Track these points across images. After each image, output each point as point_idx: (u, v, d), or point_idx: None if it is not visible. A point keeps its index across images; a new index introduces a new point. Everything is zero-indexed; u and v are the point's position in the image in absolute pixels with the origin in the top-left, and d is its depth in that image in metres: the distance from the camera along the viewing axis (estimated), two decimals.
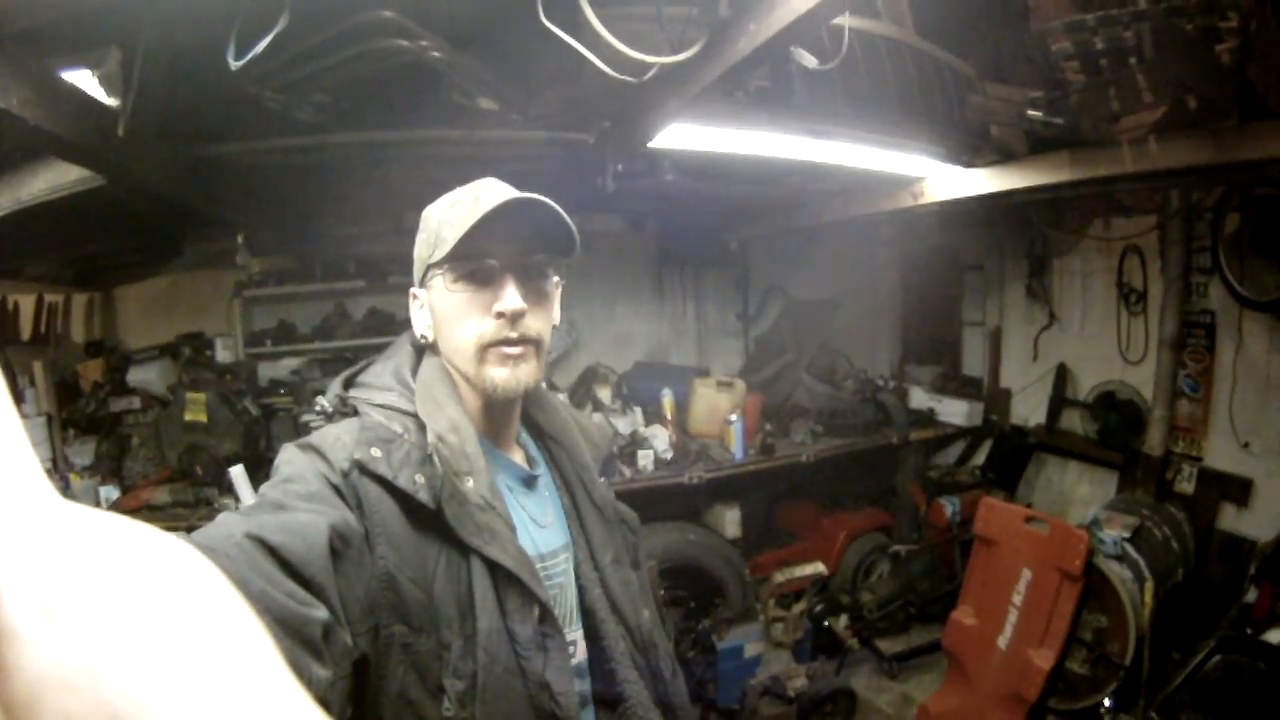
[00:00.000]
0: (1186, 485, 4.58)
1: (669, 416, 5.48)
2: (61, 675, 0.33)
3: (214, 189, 3.61)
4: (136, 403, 4.95)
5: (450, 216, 1.26)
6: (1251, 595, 3.75)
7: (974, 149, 3.85)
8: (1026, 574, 4.12)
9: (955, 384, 6.28)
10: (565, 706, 1.19)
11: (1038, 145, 3.60)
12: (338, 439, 1.18)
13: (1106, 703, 3.39)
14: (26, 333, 5.02)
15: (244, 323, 5.38)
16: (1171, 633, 4.05)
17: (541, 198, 1.23)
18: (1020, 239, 5.58)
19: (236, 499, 4.10)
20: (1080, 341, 5.37)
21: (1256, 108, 2.82)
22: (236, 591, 0.41)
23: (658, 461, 5.11)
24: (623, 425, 5.50)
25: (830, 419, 5.78)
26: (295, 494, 1.07)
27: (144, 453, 4.82)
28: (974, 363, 6.33)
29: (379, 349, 4.24)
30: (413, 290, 1.39)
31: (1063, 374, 5.43)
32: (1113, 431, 4.97)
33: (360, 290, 5.52)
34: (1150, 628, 3.83)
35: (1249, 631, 3.44)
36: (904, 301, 6.97)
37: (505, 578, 1.18)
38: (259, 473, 4.37)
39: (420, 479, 1.16)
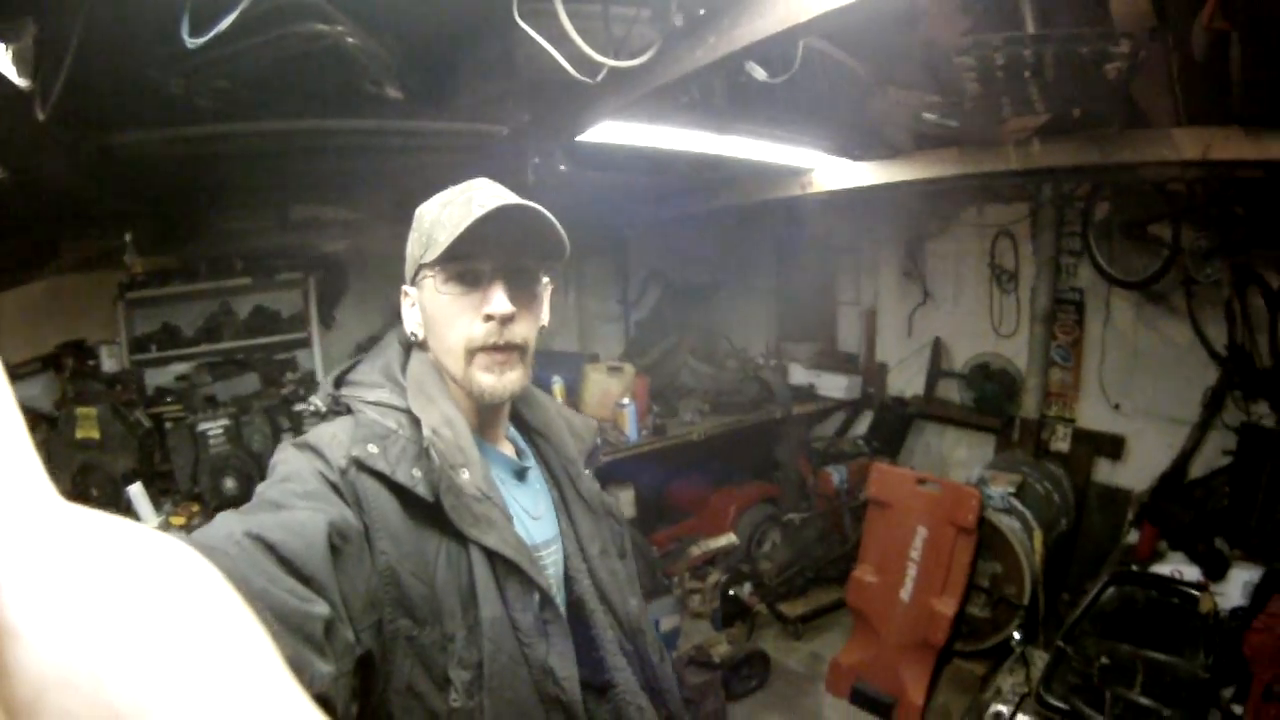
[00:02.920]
0: (1062, 444, 5.07)
1: (561, 401, 5.50)
2: (62, 675, 0.33)
3: (112, 181, 3.41)
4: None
5: (443, 217, 1.27)
6: (1133, 537, 4.20)
7: (865, 144, 4.09)
8: (922, 531, 4.44)
9: (832, 360, 6.61)
10: (569, 691, 1.21)
11: (925, 142, 3.87)
12: (334, 437, 1.18)
13: (1016, 635, 3.71)
14: None
15: (128, 327, 4.93)
16: (1060, 576, 4.48)
17: (533, 204, 1.25)
18: (896, 223, 5.94)
19: (137, 519, 3.74)
20: (954, 317, 5.80)
21: (1136, 118, 3.16)
22: (236, 591, 0.42)
23: None
24: None
25: (716, 398, 5.98)
26: (293, 493, 1.07)
27: None
28: (849, 339, 6.70)
29: (266, 348, 4.38)
30: (404, 288, 1.39)
31: (938, 347, 5.84)
32: (989, 399, 5.40)
33: (246, 288, 5.22)
34: (1042, 572, 4.22)
35: (1134, 569, 3.85)
36: (779, 283, 7.26)
37: (505, 566, 1.20)
38: (154, 488, 4.22)
39: (417, 473, 1.17)
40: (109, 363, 4.85)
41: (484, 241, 1.23)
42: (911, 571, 4.47)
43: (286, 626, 0.86)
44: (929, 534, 4.43)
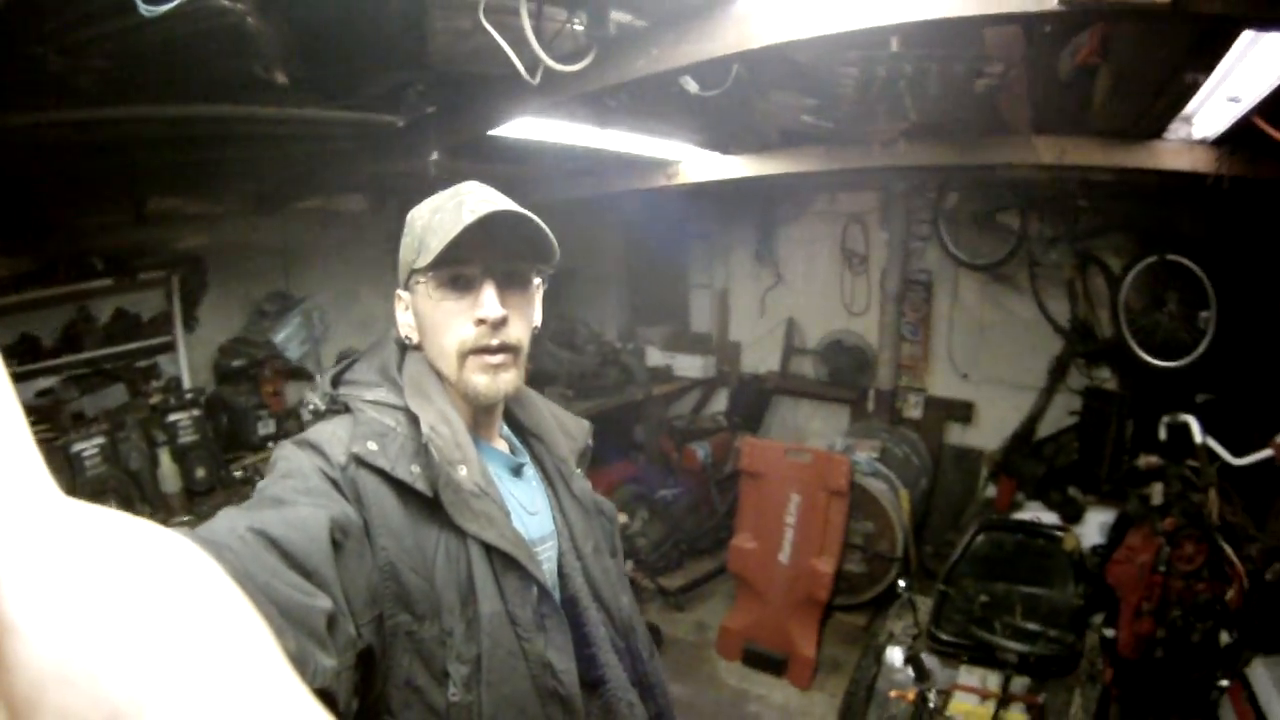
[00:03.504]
0: (915, 412, 5.59)
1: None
2: (62, 670, 0.33)
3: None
4: None
5: (434, 223, 1.26)
6: (990, 491, 4.70)
7: (737, 140, 4.29)
8: (796, 498, 4.76)
9: (687, 341, 6.90)
10: (567, 685, 1.23)
11: (793, 138, 4.09)
12: (333, 434, 1.19)
13: (901, 583, 4.05)
14: None
15: None
16: (922, 530, 4.92)
17: (524, 211, 1.27)
18: (749, 210, 6.27)
19: None
20: (806, 298, 6.21)
21: (996, 126, 3.54)
22: (239, 585, 0.42)
23: None
24: None
25: (578, 382, 6.08)
26: (294, 489, 1.08)
27: None
28: (702, 320, 7.01)
29: (130, 355, 4.08)
30: (398, 291, 1.39)
31: (792, 326, 6.25)
32: (842, 373, 5.85)
33: (108, 290, 4.58)
34: (911, 526, 4.64)
35: (995, 519, 4.32)
36: (630, 268, 7.42)
37: (503, 561, 1.21)
38: None
39: (416, 469, 1.18)
40: None
41: (475, 246, 1.23)
42: (789, 535, 4.76)
43: (290, 621, 0.87)
44: (802, 499, 4.74)
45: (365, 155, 3.95)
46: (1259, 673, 2.92)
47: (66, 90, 2.59)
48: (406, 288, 1.34)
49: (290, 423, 4.98)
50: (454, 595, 1.16)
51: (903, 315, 5.59)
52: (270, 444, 4.82)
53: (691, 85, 2.69)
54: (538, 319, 1.40)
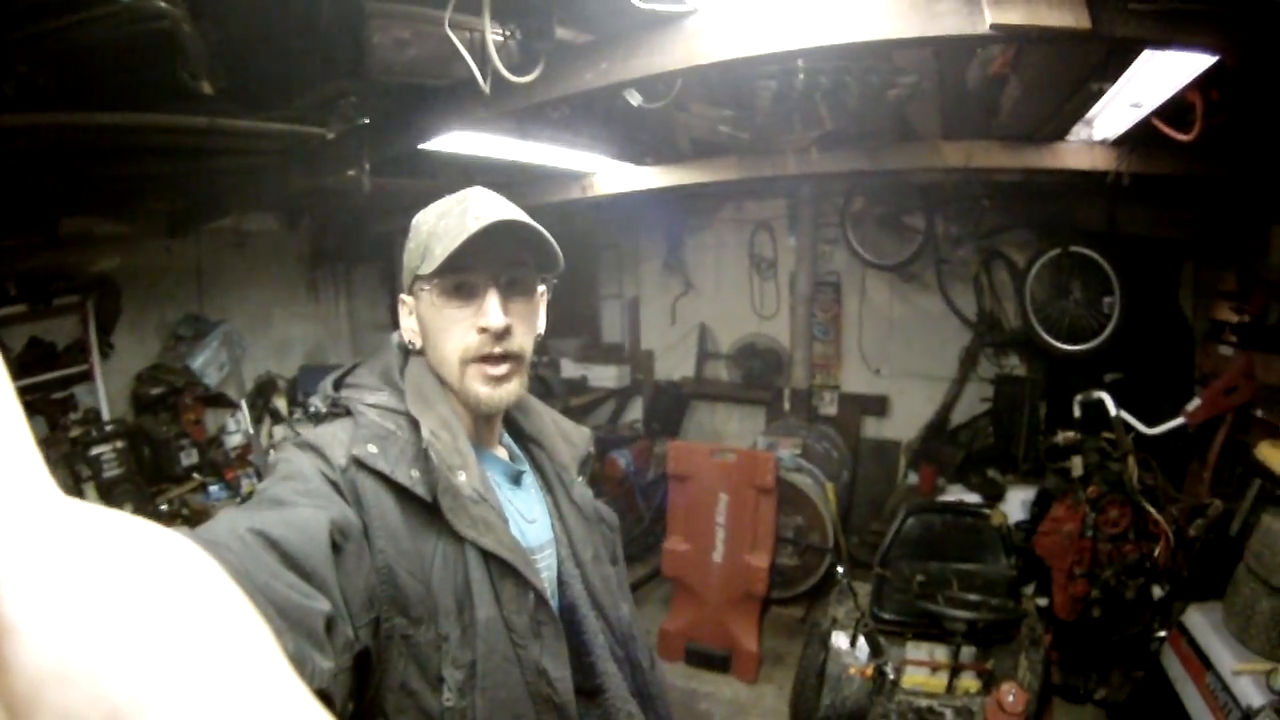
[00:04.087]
0: (830, 409, 5.79)
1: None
2: (61, 670, 0.33)
3: None
4: None
5: (439, 229, 1.26)
6: (912, 479, 4.90)
7: (652, 151, 4.36)
8: (724, 497, 4.85)
9: (599, 352, 6.92)
10: (562, 692, 1.22)
11: (703, 149, 4.18)
12: (334, 437, 1.18)
13: (840, 569, 4.15)
14: None
15: None
16: (849, 521, 5.09)
17: (529, 220, 1.27)
18: (657, 220, 6.37)
19: None
20: (717, 304, 6.35)
21: (907, 133, 3.75)
22: (238, 586, 0.42)
23: None
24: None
25: None
26: (294, 490, 1.08)
27: None
28: (614, 330, 7.05)
29: (47, 385, 4.01)
30: (401, 296, 1.38)
31: (704, 332, 6.38)
32: (756, 375, 6.01)
33: (19, 317, 4.35)
34: (839, 517, 4.79)
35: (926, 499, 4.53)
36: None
37: (500, 568, 1.20)
38: None
39: (416, 473, 1.17)
40: None
41: (479, 254, 1.23)
42: (720, 534, 4.85)
43: (288, 622, 0.87)
44: (731, 498, 4.83)
45: (294, 169, 3.80)
46: (1195, 619, 3.18)
47: None
48: (410, 293, 1.33)
49: (214, 451, 4.81)
50: (450, 600, 1.15)
51: (814, 316, 5.79)
52: (194, 475, 4.67)
53: (635, 98, 2.70)
54: (541, 326, 1.39)
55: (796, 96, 3.15)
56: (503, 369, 1.27)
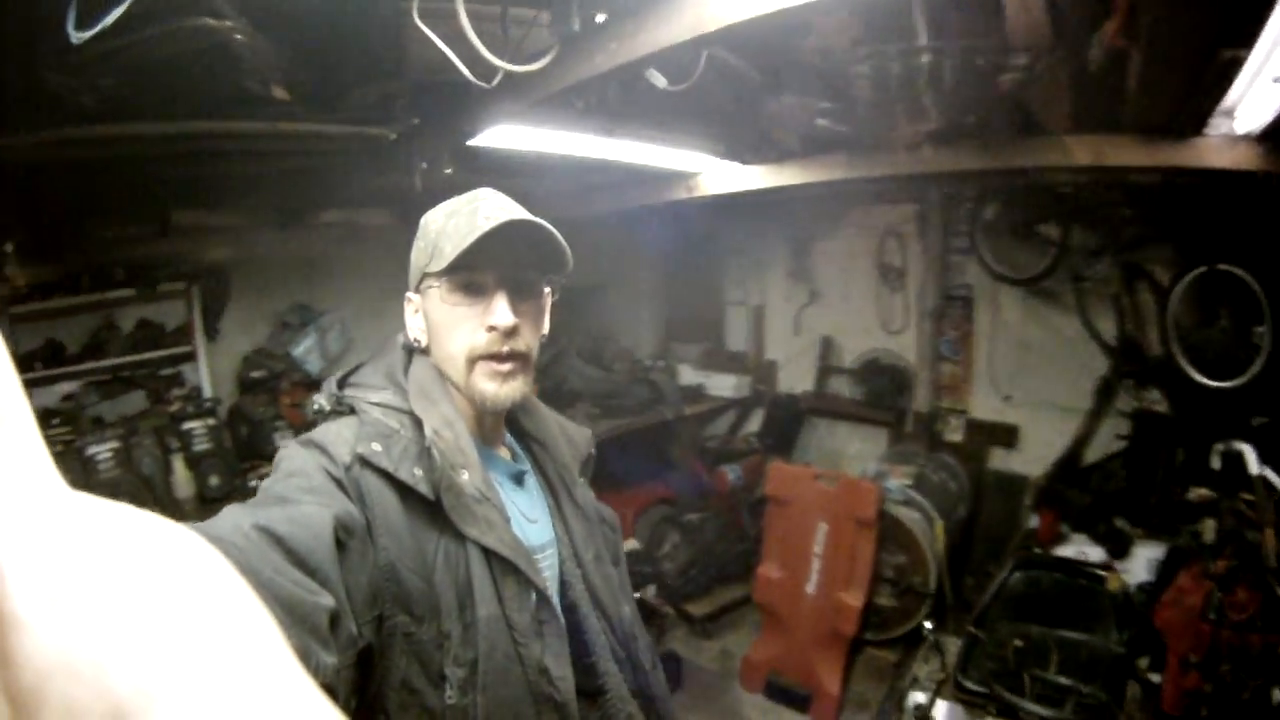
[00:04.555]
0: (955, 435, 5.18)
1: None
2: (66, 663, 0.32)
3: None
4: None
5: (448, 228, 1.26)
6: (1033, 522, 4.29)
7: (754, 148, 4.04)
8: (823, 526, 4.45)
9: (721, 359, 6.57)
10: (563, 691, 1.22)
11: (813, 146, 3.83)
12: (338, 435, 1.18)
13: (927, 625, 3.72)
14: None
15: (10, 345, 4.22)
16: (962, 562, 4.54)
17: (539, 220, 1.26)
18: (783, 225, 5.96)
19: None
20: (842, 316, 5.85)
21: (1028, 125, 3.22)
22: (244, 580, 0.41)
23: None
24: None
25: (605, 401, 5.84)
26: (298, 487, 1.08)
27: None
28: (737, 338, 6.68)
29: (152, 364, 4.06)
30: (408, 294, 1.38)
31: (828, 344, 5.89)
32: (879, 393, 5.47)
33: (130, 300, 4.72)
34: (945, 560, 4.27)
35: (1038, 552, 3.93)
36: (667, 284, 7.17)
37: (502, 566, 1.20)
38: None
39: (419, 472, 1.17)
40: None
41: (488, 253, 1.23)
42: (816, 566, 4.46)
43: (293, 618, 0.86)
44: (830, 528, 4.43)
45: (366, 169, 3.85)
46: None
47: (69, 110, 2.59)
48: (417, 291, 1.34)
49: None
50: (452, 598, 1.16)
51: (942, 333, 5.21)
52: None
53: (659, 79, 2.47)
54: (546, 327, 1.39)
55: (895, 84, 2.80)
56: (509, 367, 1.28)
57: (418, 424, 1.22)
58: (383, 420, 1.22)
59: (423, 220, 1.35)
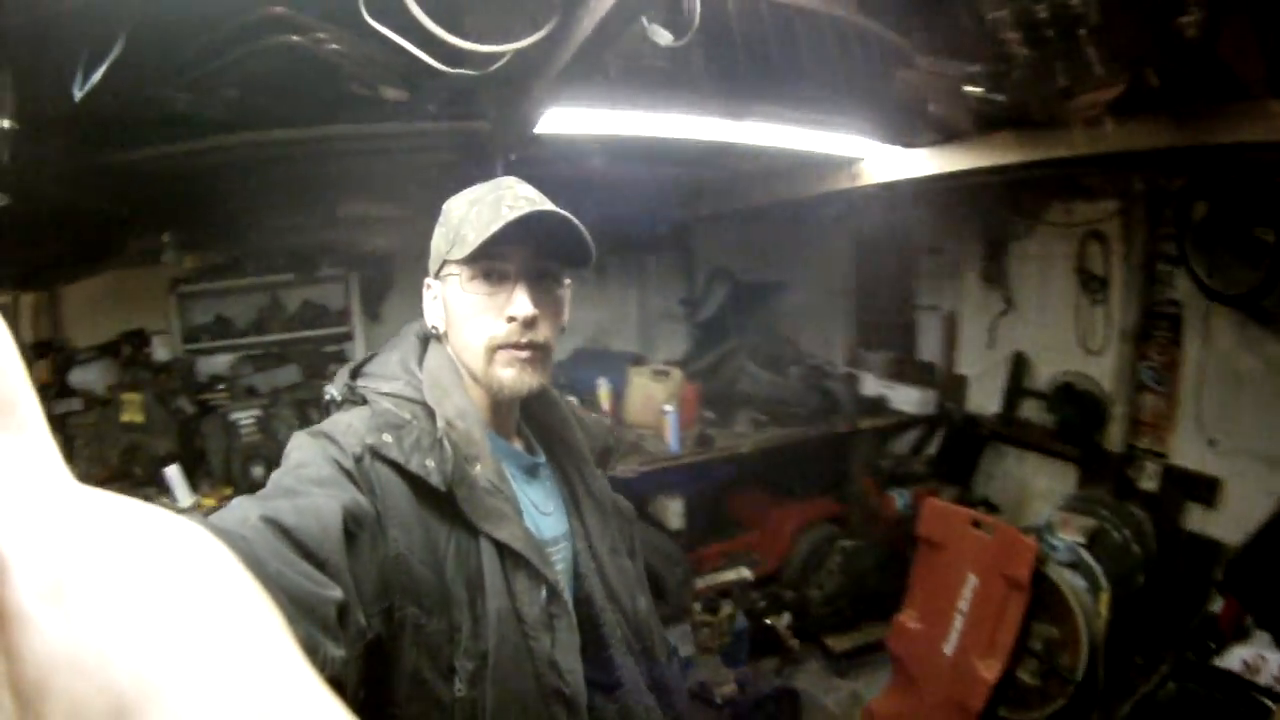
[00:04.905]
0: (1150, 483, 4.15)
1: (605, 407, 5.17)
2: (70, 658, 0.31)
3: (127, 193, 3.63)
4: (78, 404, 4.76)
5: (471, 216, 1.26)
6: (1218, 604, 3.38)
7: (912, 128, 3.48)
8: (972, 580, 3.78)
9: (909, 370, 5.84)
10: (572, 685, 1.20)
11: (985, 124, 3.21)
12: (349, 426, 1.17)
13: None
14: None
15: (182, 318, 5.18)
16: (1132, 638, 3.66)
17: (562, 212, 1.24)
18: (976, 220, 5.13)
19: (173, 499, 4.09)
20: (1038, 329, 4.92)
21: (1229, 88, 2.42)
22: (250, 574, 0.39)
23: None
24: None
25: (775, 407, 5.38)
26: (307, 479, 1.06)
27: (87, 453, 4.60)
28: (929, 348, 5.87)
29: (313, 341, 5.01)
30: (427, 281, 1.39)
31: (1020, 362, 4.99)
32: (1071, 424, 4.55)
33: (291, 283, 5.35)
34: (1105, 638, 3.48)
35: (1213, 645, 3.09)
36: (858, 285, 6.47)
37: (513, 559, 1.19)
38: (193, 471, 4.44)
39: (431, 463, 1.16)
40: (161, 352, 5.13)
41: (511, 243, 1.23)
42: (958, 623, 3.81)
43: (301, 610, 0.84)
44: (979, 584, 3.76)
45: (469, 164, 3.81)
46: None
47: (195, 121, 2.92)
48: (437, 277, 1.35)
49: None
50: (463, 591, 1.15)
51: (1144, 357, 4.20)
52: None
53: (663, 36, 2.13)
54: (566, 319, 1.38)
55: (1052, 37, 2.34)
56: (527, 354, 1.28)
57: (431, 415, 1.22)
58: (394, 411, 1.21)
59: (445, 206, 1.35)
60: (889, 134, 3.54)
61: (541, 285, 1.30)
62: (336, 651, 0.88)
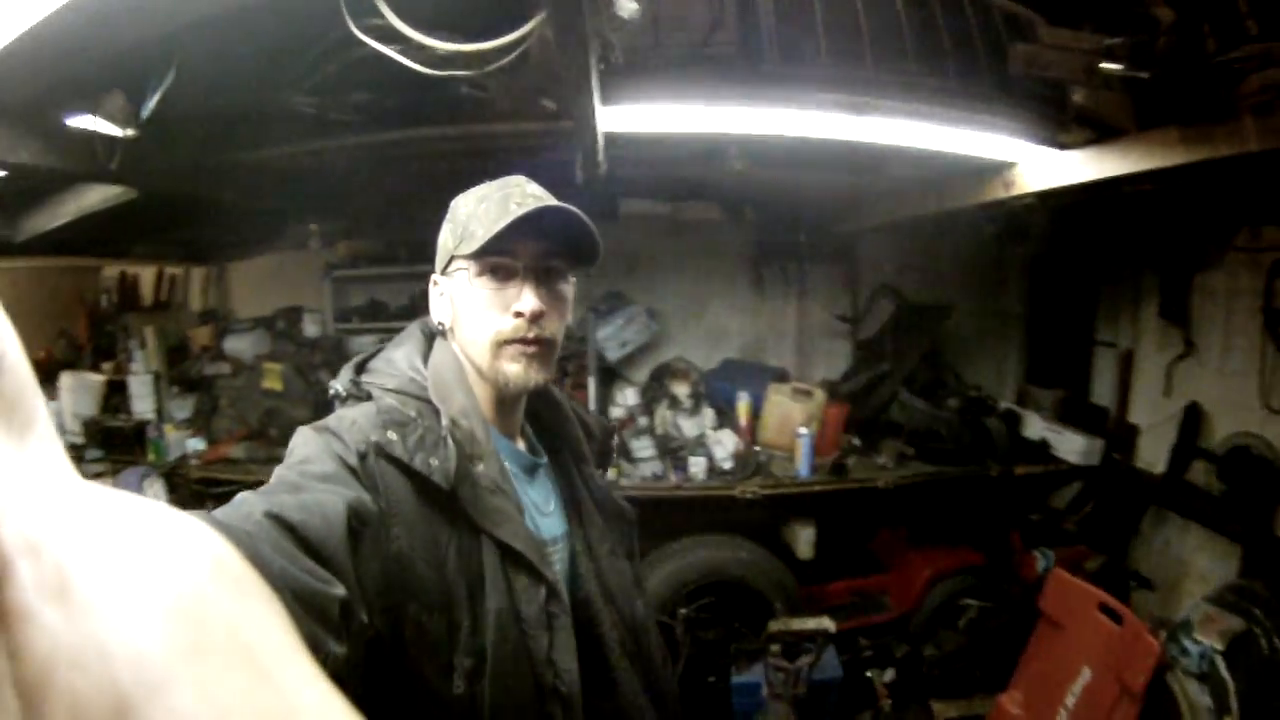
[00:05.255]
0: None
1: (742, 423, 4.91)
2: (72, 656, 0.32)
3: (260, 187, 3.99)
4: (227, 368, 5.25)
5: (479, 212, 1.27)
6: None
7: (1059, 123, 2.94)
8: (1086, 673, 3.29)
9: (1078, 413, 5.00)
10: (569, 684, 1.20)
11: (1147, 117, 2.65)
12: (354, 422, 1.17)
13: None
14: (148, 300, 6.03)
15: (337, 300, 5.66)
16: None
17: (570, 208, 1.25)
18: (1157, 245, 4.30)
19: None
20: (1218, 378, 4.02)
21: None
22: (255, 570, 0.41)
23: (713, 470, 4.60)
24: (689, 427, 4.97)
25: (923, 441, 4.85)
26: (311, 475, 1.06)
27: (230, 412, 5.10)
28: (1103, 390, 5.01)
29: None
30: (434, 277, 1.39)
31: (1194, 416, 4.10)
32: (1240, 496, 3.72)
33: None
34: None
35: None
36: (1030, 311, 5.64)
37: (514, 559, 1.19)
38: None
39: (434, 461, 1.16)
40: (311, 328, 5.61)
41: (518, 238, 1.24)
42: (1062, 718, 3.28)
43: (304, 606, 0.84)
44: (1092, 679, 3.26)
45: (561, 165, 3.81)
46: None
47: (322, 125, 3.14)
48: (444, 273, 1.37)
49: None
50: (463, 589, 1.16)
51: None
52: None
53: (626, 8, 1.92)
54: (570, 316, 1.39)
55: None
56: (534, 349, 1.29)
57: (435, 412, 1.23)
58: (399, 408, 1.22)
59: (453, 204, 1.37)
60: (1035, 131, 3.04)
61: (549, 282, 1.31)
62: (339, 649, 0.88)
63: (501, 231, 1.21)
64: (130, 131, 2.54)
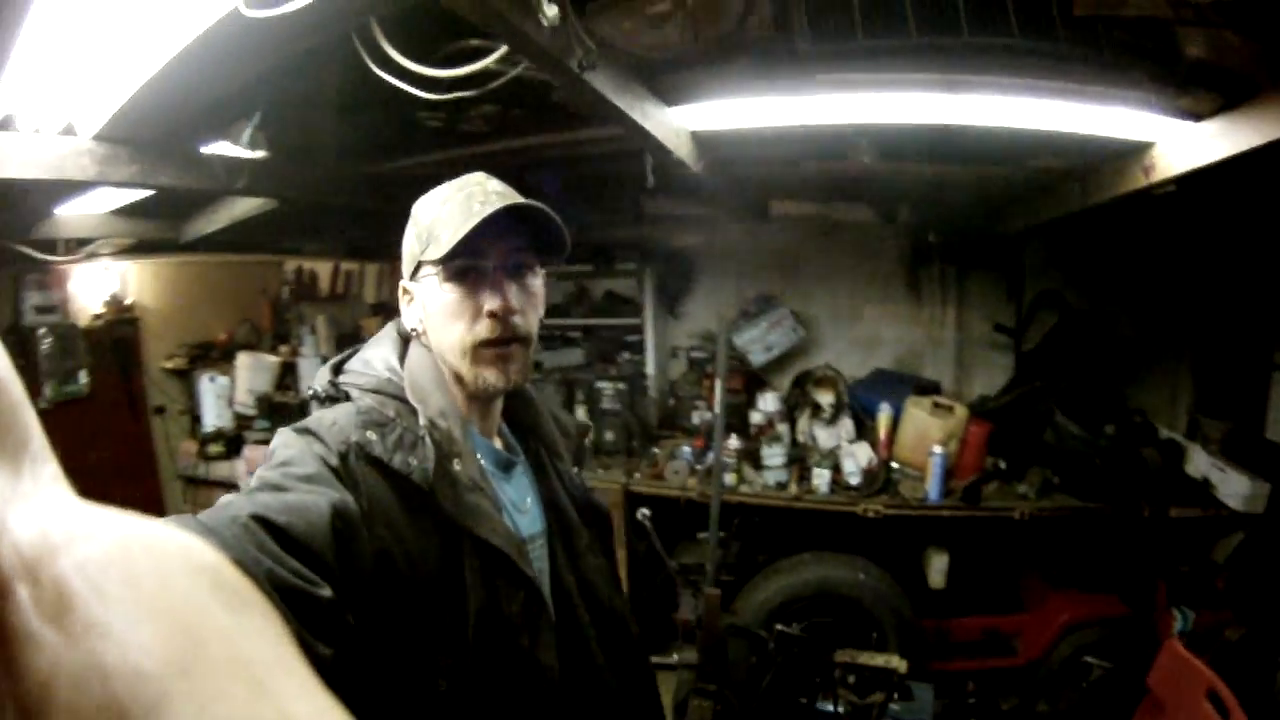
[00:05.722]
0: None
1: (881, 436, 4.69)
2: (72, 674, 0.32)
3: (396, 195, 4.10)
4: None
5: (443, 215, 1.25)
6: None
7: (1177, 81, 2.40)
8: None
9: (1248, 450, 4.22)
10: (550, 681, 1.21)
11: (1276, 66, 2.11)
12: (334, 423, 1.18)
13: None
14: (324, 292, 6.65)
15: None
16: None
17: (533, 203, 1.25)
18: None
19: None
20: None
21: None
22: (246, 578, 0.41)
23: (838, 484, 4.45)
24: (826, 437, 4.82)
25: (1072, 469, 4.42)
26: (294, 476, 1.06)
27: None
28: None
29: (608, 329, 5.94)
30: (402, 284, 1.37)
31: None
32: None
33: (591, 274, 5.78)
34: None
35: None
36: (1202, 328, 4.82)
37: (494, 557, 1.19)
38: None
39: (413, 461, 1.17)
40: None
41: (485, 239, 1.23)
42: None
43: (292, 608, 0.86)
44: None
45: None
46: None
47: (448, 137, 3.48)
48: (413, 279, 1.35)
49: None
50: (444, 588, 1.17)
51: None
52: (680, 433, 5.38)
53: None
54: (542, 310, 1.38)
55: None
56: (510, 349, 1.30)
57: (413, 412, 1.24)
58: (377, 408, 1.23)
59: (414, 208, 1.34)
60: (1163, 101, 2.50)
61: (519, 278, 1.30)
62: (326, 650, 0.88)
63: (468, 233, 1.19)
64: (260, 153, 2.92)
